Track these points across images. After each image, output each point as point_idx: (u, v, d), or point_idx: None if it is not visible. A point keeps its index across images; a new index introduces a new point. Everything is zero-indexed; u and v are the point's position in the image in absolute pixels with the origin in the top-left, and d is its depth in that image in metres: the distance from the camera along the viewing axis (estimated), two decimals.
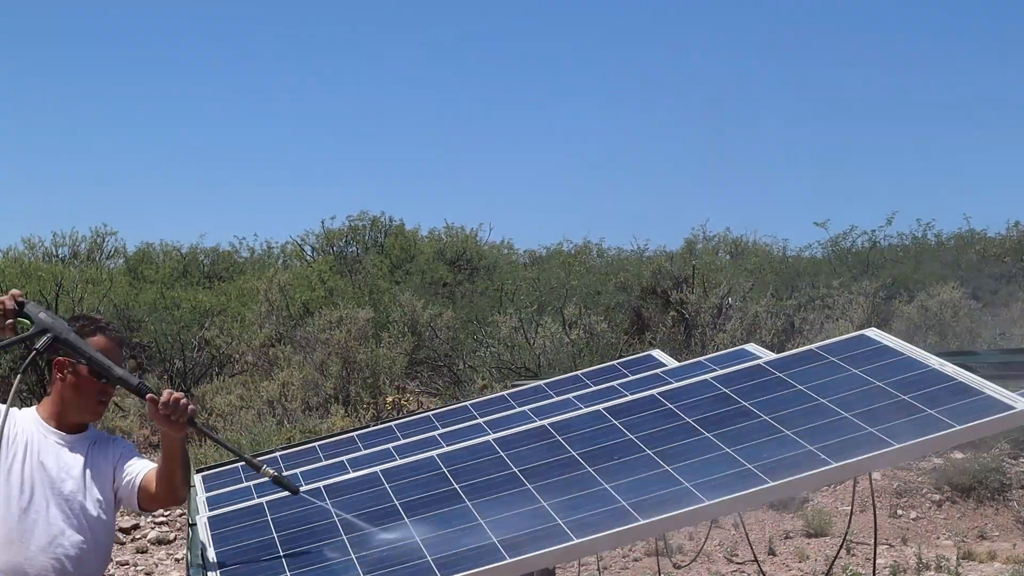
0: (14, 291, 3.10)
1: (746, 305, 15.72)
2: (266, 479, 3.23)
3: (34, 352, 3.01)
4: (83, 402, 3.21)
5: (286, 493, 3.39)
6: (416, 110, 43.50)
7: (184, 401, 3.02)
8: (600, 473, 3.21)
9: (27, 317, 3.04)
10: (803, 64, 44.05)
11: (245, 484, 4.70)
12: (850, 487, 10.03)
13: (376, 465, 3.69)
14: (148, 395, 3.03)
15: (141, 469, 3.22)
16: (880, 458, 3.02)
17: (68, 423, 3.24)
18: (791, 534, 9.55)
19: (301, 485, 3.50)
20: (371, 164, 42.44)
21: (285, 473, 4.73)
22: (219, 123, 44.03)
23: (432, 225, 24.07)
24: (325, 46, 44.82)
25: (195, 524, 3.54)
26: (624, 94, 44.62)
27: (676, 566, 7.87)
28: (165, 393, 3.01)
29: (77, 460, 3.20)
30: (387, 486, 3.40)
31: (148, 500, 3.20)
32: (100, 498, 3.19)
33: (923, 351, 3.48)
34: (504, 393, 5.79)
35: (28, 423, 3.22)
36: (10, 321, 3.03)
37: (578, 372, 5.92)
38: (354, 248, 22.86)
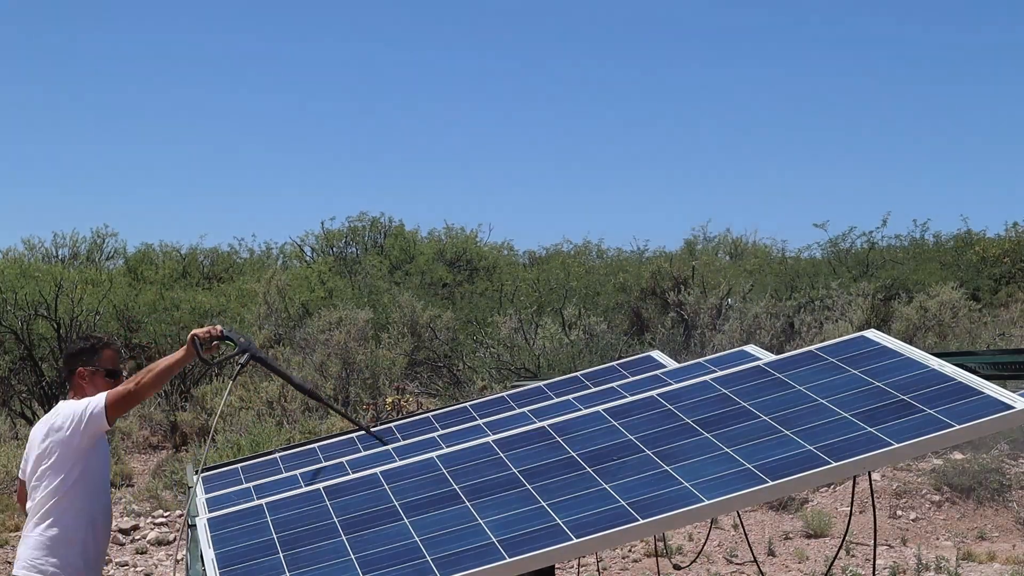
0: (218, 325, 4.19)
1: (745, 306, 15.74)
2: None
3: (240, 367, 4.11)
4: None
5: (286, 493, 3.46)
6: (415, 110, 43.51)
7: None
8: (600, 473, 3.21)
9: (231, 340, 4.13)
10: (802, 65, 44.08)
11: (245, 485, 4.69)
12: (849, 488, 10.03)
13: (376, 466, 3.69)
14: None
15: (97, 397, 4.13)
16: (880, 458, 3.02)
17: None
18: (791, 535, 9.55)
19: (301, 486, 3.50)
20: (371, 165, 42.48)
21: (286, 474, 4.74)
22: (219, 124, 44.07)
23: (432, 226, 24.10)
24: (324, 46, 44.84)
25: (195, 525, 3.54)
26: (626, 94, 44.65)
27: (676, 567, 7.86)
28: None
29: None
30: (387, 487, 3.40)
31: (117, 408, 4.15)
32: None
33: (922, 352, 3.48)
34: (504, 394, 5.77)
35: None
36: (216, 342, 4.14)
37: (578, 373, 5.89)
38: (354, 249, 22.88)
